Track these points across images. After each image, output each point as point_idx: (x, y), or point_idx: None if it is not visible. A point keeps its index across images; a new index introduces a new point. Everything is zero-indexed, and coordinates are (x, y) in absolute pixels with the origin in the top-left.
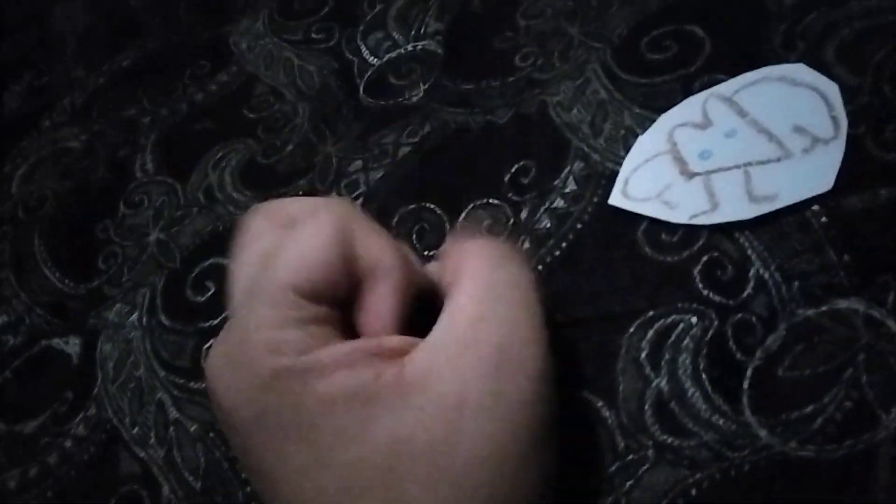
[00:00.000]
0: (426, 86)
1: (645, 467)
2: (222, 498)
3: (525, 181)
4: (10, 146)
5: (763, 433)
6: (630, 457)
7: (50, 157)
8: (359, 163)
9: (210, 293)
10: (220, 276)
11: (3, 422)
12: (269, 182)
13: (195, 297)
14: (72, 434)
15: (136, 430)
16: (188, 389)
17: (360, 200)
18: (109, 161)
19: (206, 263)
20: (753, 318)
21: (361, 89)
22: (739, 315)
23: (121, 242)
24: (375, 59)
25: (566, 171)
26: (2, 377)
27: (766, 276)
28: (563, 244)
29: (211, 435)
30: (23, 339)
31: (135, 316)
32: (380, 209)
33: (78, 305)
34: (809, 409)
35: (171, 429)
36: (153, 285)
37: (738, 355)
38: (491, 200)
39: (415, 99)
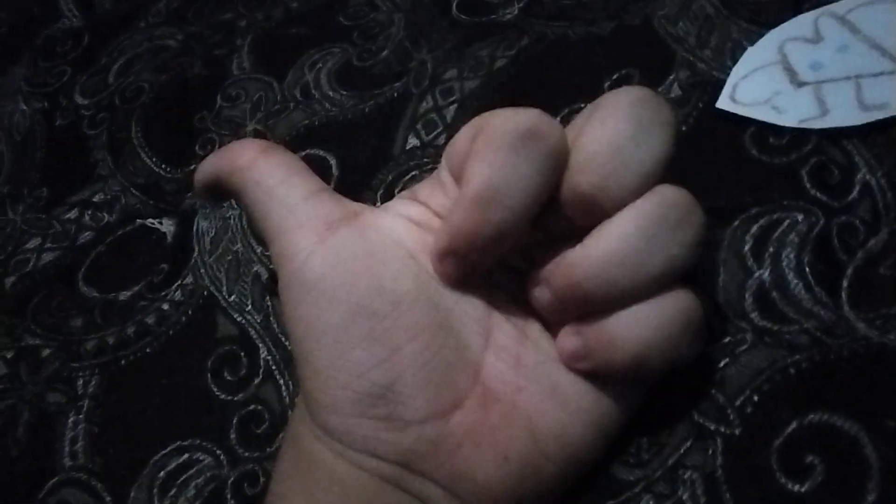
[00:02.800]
0: (521, 4)
1: (743, 348)
2: None
3: None
4: (106, 43)
5: (861, 326)
6: (727, 339)
7: (146, 53)
8: (454, 71)
9: None
10: (315, 165)
11: (98, 290)
12: (364, 84)
13: None
14: (168, 299)
15: (233, 297)
16: None
17: (454, 106)
18: (206, 58)
19: (303, 153)
20: (857, 221)
21: (455, 6)
22: (844, 217)
23: (218, 131)
24: None
25: (671, 78)
26: (96, 251)
27: (873, 182)
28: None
29: None
30: (118, 217)
31: None
32: (473, 115)
33: (173, 188)
34: None
35: (267, 299)
36: None
37: (841, 254)
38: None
39: (509, 17)
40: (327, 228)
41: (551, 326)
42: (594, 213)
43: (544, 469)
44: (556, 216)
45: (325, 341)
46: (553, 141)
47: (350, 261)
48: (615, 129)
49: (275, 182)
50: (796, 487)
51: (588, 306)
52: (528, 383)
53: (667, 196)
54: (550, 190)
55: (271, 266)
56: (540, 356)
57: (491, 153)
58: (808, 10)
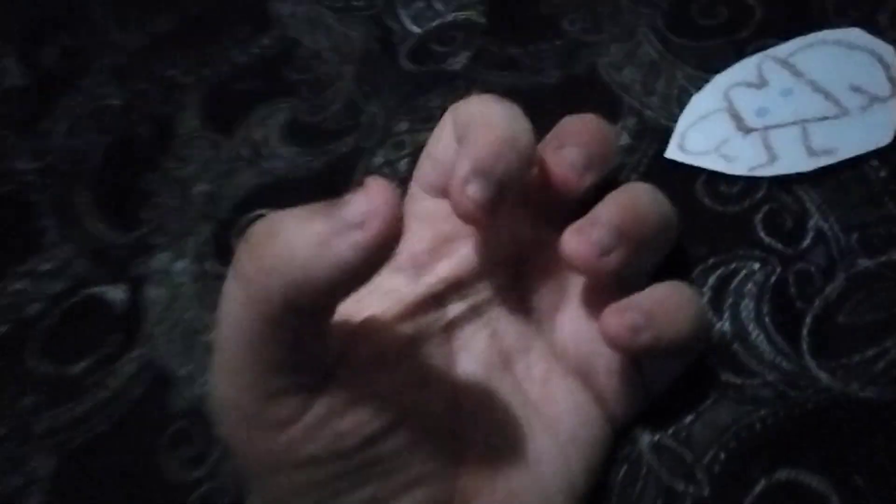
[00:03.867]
0: (470, 53)
1: (707, 403)
2: None
3: None
4: (50, 103)
5: (823, 376)
6: (691, 395)
7: (90, 115)
8: (405, 123)
9: None
10: None
11: (50, 364)
12: (315, 139)
13: None
14: (119, 373)
15: (184, 369)
16: None
17: (406, 160)
18: (151, 118)
19: (252, 215)
20: (812, 268)
21: (404, 56)
22: (799, 265)
23: (165, 194)
24: (416, 28)
25: (619, 125)
26: (45, 322)
27: (825, 227)
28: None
29: None
30: (66, 285)
31: (182, 263)
32: None
33: (122, 254)
34: (871, 353)
35: None
36: (200, 234)
37: (799, 303)
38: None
39: (459, 66)
40: (311, 395)
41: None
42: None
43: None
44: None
45: (308, 496)
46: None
47: (335, 423)
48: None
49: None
50: None
51: (624, 251)
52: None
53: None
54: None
55: None
56: (524, 398)
57: (487, 108)
58: (751, 53)
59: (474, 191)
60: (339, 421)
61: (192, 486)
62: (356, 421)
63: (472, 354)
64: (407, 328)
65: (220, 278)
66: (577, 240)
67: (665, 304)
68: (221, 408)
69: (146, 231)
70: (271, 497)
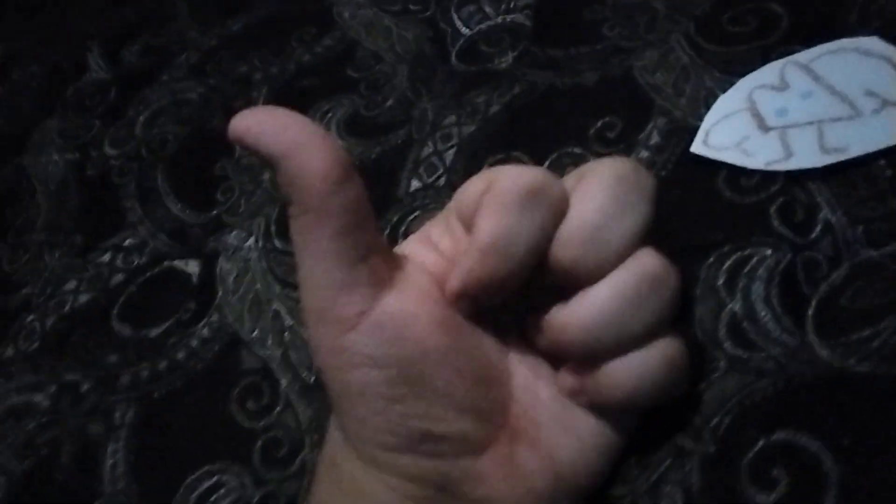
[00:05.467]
0: (515, 53)
1: (717, 374)
2: None
3: (611, 135)
4: (132, 96)
5: (824, 352)
6: (703, 366)
7: (169, 106)
8: (453, 117)
9: None
10: None
11: (131, 328)
12: (370, 132)
13: None
14: (196, 336)
15: (254, 333)
16: (300, 301)
17: (452, 150)
18: (225, 110)
19: None
20: (820, 257)
21: (454, 56)
22: (808, 253)
23: (237, 179)
24: (467, 30)
25: (650, 125)
26: (128, 291)
27: (833, 220)
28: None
29: None
30: (147, 260)
31: (251, 240)
32: (470, 158)
33: (198, 232)
34: (868, 332)
35: (286, 333)
36: (267, 215)
37: (806, 288)
38: (575, 150)
39: (504, 65)
40: (374, 293)
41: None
42: (574, 282)
43: (562, 495)
44: (545, 274)
45: (368, 397)
46: (554, 198)
47: (393, 330)
48: (596, 207)
49: (339, 231)
50: (763, 498)
51: (580, 358)
52: (547, 420)
53: (643, 264)
54: (549, 240)
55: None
56: (551, 392)
57: (499, 209)
58: (776, 59)
59: (461, 307)
60: (400, 327)
61: (258, 433)
62: (415, 332)
63: (514, 341)
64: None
65: (286, 254)
66: (532, 337)
67: (615, 373)
68: (306, 312)
69: (220, 212)
70: (339, 397)
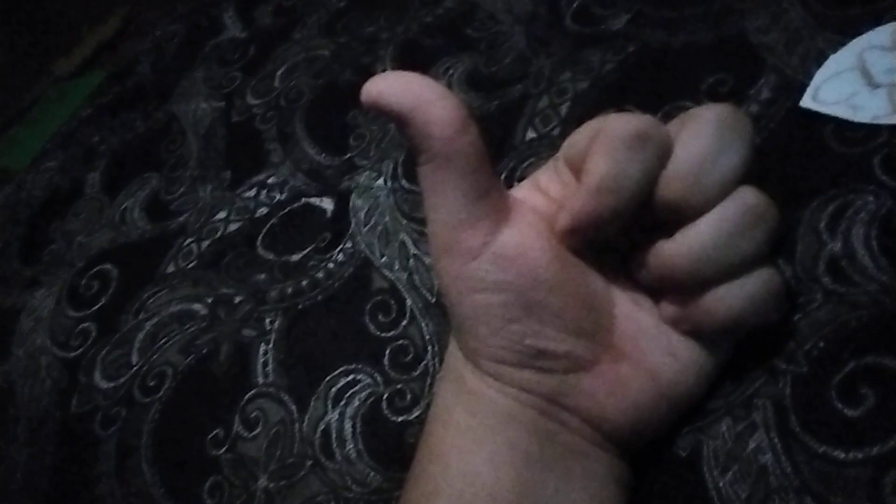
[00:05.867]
0: (629, 15)
1: (814, 306)
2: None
3: (722, 90)
4: (268, 52)
5: None
6: (801, 299)
7: (303, 62)
8: (568, 74)
9: None
10: None
11: (274, 253)
12: (489, 86)
13: None
14: (333, 259)
15: (384, 259)
16: (424, 234)
17: (567, 104)
18: (354, 66)
19: None
20: None
21: (568, 17)
22: None
23: (368, 127)
24: None
25: (761, 81)
26: (270, 223)
27: None
28: (757, 141)
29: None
30: (287, 196)
31: (381, 180)
32: (584, 111)
33: (332, 173)
34: None
35: (411, 260)
36: (395, 159)
37: None
38: (686, 104)
39: (618, 27)
40: (494, 227)
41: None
42: (679, 217)
43: (663, 409)
44: (651, 213)
45: (489, 318)
46: (660, 141)
47: (511, 259)
48: (700, 147)
49: (464, 170)
50: (850, 412)
51: (682, 288)
52: (648, 343)
53: (746, 199)
54: (654, 181)
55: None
56: (652, 319)
57: (609, 150)
58: (888, 21)
59: (570, 243)
60: (516, 257)
61: (388, 341)
62: (530, 262)
63: (616, 274)
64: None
65: (411, 192)
66: (637, 274)
67: (713, 303)
68: (433, 246)
69: (352, 155)
70: (462, 318)
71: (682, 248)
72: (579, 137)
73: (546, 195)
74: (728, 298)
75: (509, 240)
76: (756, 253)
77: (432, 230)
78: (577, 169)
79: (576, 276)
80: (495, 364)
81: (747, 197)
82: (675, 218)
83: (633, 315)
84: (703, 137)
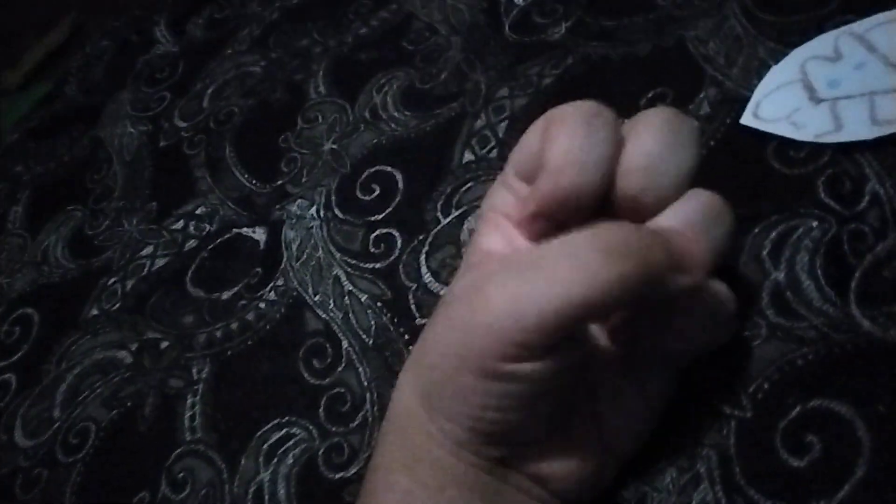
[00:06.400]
0: (568, 24)
1: (758, 342)
2: (389, 353)
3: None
4: (198, 69)
5: (866, 323)
6: (745, 333)
7: (234, 79)
8: (505, 90)
9: (376, 194)
10: (383, 180)
11: (204, 291)
12: (425, 104)
13: (363, 196)
14: (264, 298)
15: (317, 297)
16: (359, 268)
17: (504, 123)
18: (287, 84)
19: (372, 170)
20: (866, 228)
21: (507, 27)
22: (854, 224)
23: (299, 150)
24: (520, 1)
25: (701, 95)
26: (200, 257)
27: (881, 192)
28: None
29: (378, 304)
30: (217, 227)
31: (314, 209)
32: (522, 130)
33: (263, 201)
34: None
35: (346, 298)
36: (328, 186)
37: (851, 258)
38: (626, 121)
39: (557, 36)
40: None
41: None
42: (640, 212)
43: (611, 462)
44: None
45: (469, 405)
46: (613, 120)
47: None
48: (654, 140)
49: None
50: (796, 463)
51: None
52: (600, 392)
53: (703, 195)
54: (614, 163)
55: None
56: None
57: (567, 130)
58: (831, 29)
59: (536, 228)
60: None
61: (323, 390)
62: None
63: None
64: None
65: (345, 223)
66: None
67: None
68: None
69: (283, 182)
70: (440, 392)
71: None
72: (529, 138)
73: (506, 216)
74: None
75: None
76: (718, 254)
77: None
78: (532, 173)
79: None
80: (451, 424)
81: (705, 194)
82: (635, 214)
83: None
84: (655, 132)
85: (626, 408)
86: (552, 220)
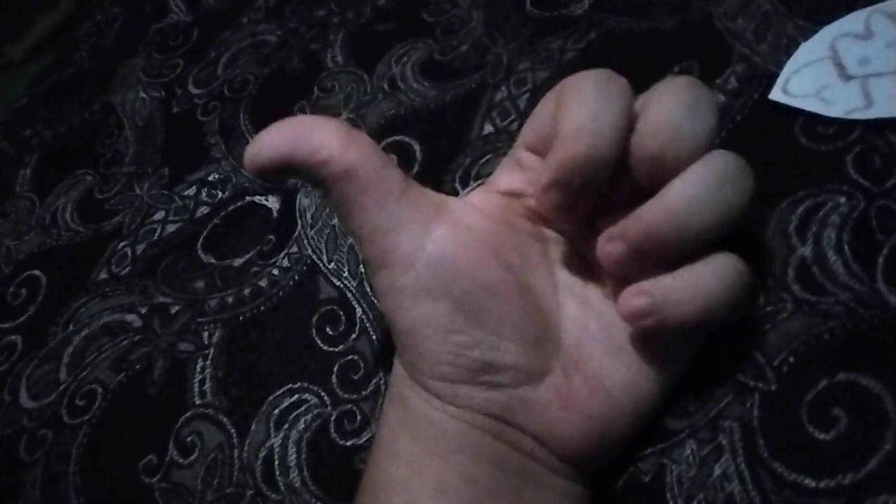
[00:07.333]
0: None
1: (783, 315)
2: None
3: None
4: (212, 37)
5: (893, 299)
6: (770, 308)
7: (249, 48)
8: (527, 63)
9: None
10: (401, 150)
11: (215, 257)
12: (445, 76)
13: None
14: (277, 265)
15: (332, 265)
16: None
17: (526, 95)
18: (303, 53)
19: (390, 140)
20: (894, 205)
21: (528, 2)
22: (883, 201)
23: None
24: None
25: (728, 70)
26: (212, 223)
27: None
28: (722, 134)
29: None
30: (230, 194)
31: None
32: None
33: None
34: None
35: (361, 266)
36: None
37: (878, 235)
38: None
39: (579, 11)
40: (424, 229)
41: (612, 291)
42: (660, 171)
43: (618, 422)
44: (625, 179)
45: (430, 331)
46: (627, 88)
47: (448, 262)
48: (674, 105)
49: (368, 178)
50: (822, 436)
51: (659, 253)
52: (597, 349)
53: (722, 156)
54: (628, 127)
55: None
56: (601, 322)
57: (581, 96)
58: (861, 7)
59: (554, 198)
60: (452, 261)
61: (336, 356)
62: (468, 265)
63: (564, 274)
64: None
65: None
66: (605, 251)
67: (682, 289)
68: (366, 265)
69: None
70: (404, 335)
71: (669, 199)
72: (541, 109)
73: (505, 195)
74: (702, 280)
75: (442, 240)
76: (736, 215)
77: (362, 252)
78: (543, 145)
79: (519, 278)
80: (440, 382)
81: (724, 155)
82: (654, 175)
83: (582, 319)
84: (674, 97)
85: (632, 366)
86: (568, 191)
